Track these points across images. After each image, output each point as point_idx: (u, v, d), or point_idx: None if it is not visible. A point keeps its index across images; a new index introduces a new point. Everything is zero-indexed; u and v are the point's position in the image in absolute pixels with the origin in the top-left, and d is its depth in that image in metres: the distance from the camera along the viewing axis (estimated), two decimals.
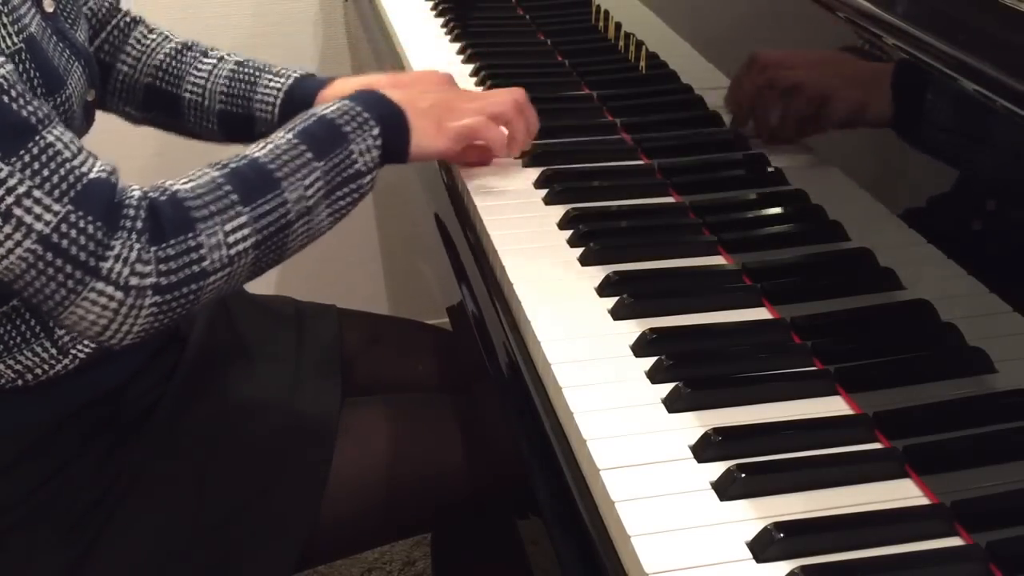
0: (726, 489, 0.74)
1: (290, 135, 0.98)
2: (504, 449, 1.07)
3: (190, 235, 0.90)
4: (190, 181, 0.94)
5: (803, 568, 0.68)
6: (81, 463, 1.03)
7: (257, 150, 0.97)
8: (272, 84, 1.19)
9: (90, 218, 0.86)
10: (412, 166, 1.11)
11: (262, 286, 1.42)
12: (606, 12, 1.38)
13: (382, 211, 2.21)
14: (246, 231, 0.93)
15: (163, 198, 0.91)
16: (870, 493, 0.75)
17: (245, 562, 1.05)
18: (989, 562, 0.70)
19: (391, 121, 1.03)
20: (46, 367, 1.02)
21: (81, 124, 1.06)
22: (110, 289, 0.87)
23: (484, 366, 0.98)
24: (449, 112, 1.08)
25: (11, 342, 1.00)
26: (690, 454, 0.78)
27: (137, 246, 0.88)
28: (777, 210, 1.07)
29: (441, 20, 1.63)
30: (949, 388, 0.81)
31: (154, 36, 1.25)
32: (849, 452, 0.79)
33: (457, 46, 1.53)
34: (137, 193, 0.90)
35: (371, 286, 2.28)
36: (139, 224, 0.88)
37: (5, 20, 0.91)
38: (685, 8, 1.24)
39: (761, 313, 0.94)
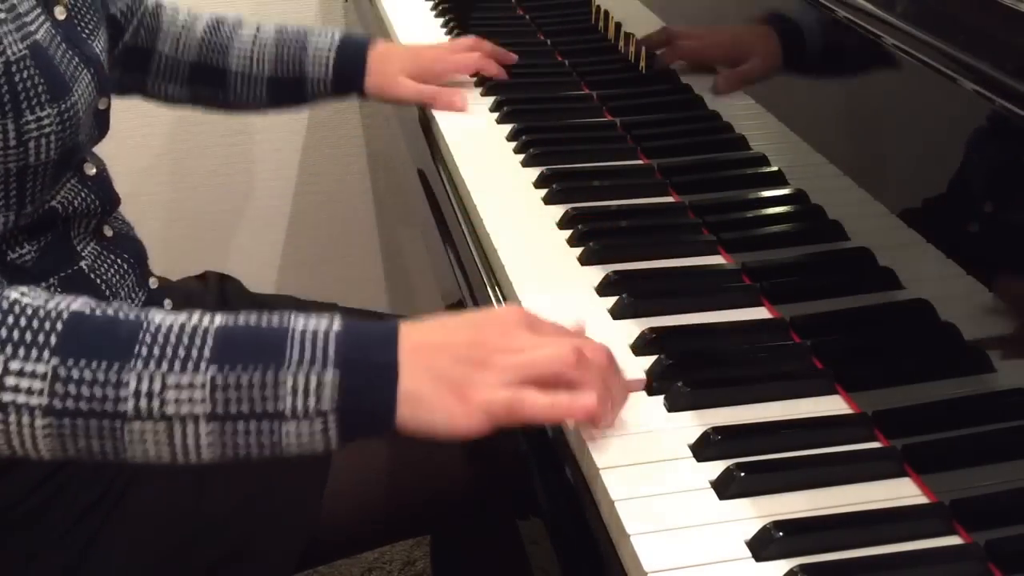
0: (726, 488, 0.74)
1: (216, 323, 0.76)
2: (504, 449, 1.07)
3: None
4: (41, 299, 0.75)
5: (802, 567, 0.68)
6: (79, 464, 1.03)
7: (163, 314, 0.76)
8: (322, 43, 1.26)
9: None
10: (410, 166, 1.11)
11: (263, 285, 1.42)
12: (606, 12, 1.38)
13: (382, 211, 2.21)
14: (35, 383, 0.72)
15: None
16: (869, 492, 0.75)
17: (245, 562, 1.05)
18: (988, 561, 0.70)
19: (369, 372, 0.75)
20: None
21: (91, 131, 1.06)
22: None
23: None
24: (481, 370, 0.77)
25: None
26: (689, 453, 0.78)
27: None
28: (777, 210, 1.07)
29: (441, 20, 1.63)
30: (948, 387, 0.81)
31: (184, 16, 1.30)
32: (848, 451, 0.79)
33: None
34: None
35: (371, 285, 2.29)
36: None
37: (9, 27, 0.91)
38: (685, 8, 1.24)
39: (760, 312, 0.94)
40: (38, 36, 0.95)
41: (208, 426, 0.74)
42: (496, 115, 1.31)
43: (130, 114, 2.02)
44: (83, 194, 1.07)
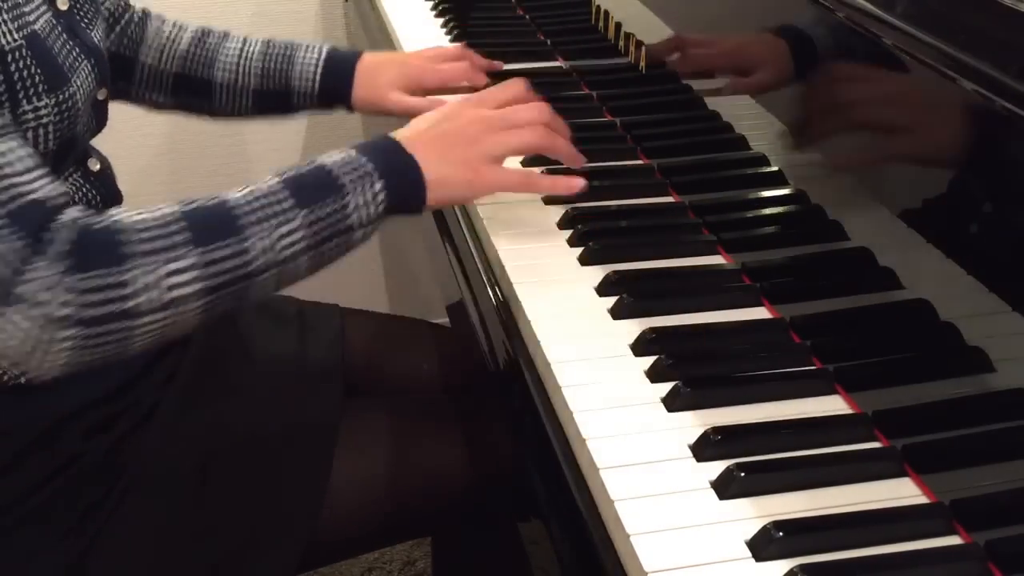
0: (725, 488, 0.74)
1: (275, 180, 0.91)
2: (504, 448, 1.07)
3: (116, 269, 0.82)
4: (142, 213, 0.87)
5: (802, 567, 0.68)
6: (82, 463, 1.03)
7: (234, 192, 0.90)
8: (308, 57, 1.26)
9: (15, 238, 0.81)
10: None
11: None
12: (606, 12, 1.38)
13: None
14: (190, 275, 0.85)
15: (99, 226, 0.84)
16: (869, 492, 0.75)
17: (246, 564, 1.05)
18: (988, 561, 0.70)
19: (399, 170, 0.95)
20: None
21: (89, 121, 1.06)
22: (17, 317, 0.81)
23: (484, 365, 0.98)
24: (482, 139, 0.99)
25: None
26: (689, 453, 0.78)
27: (52, 273, 0.81)
28: (777, 210, 1.07)
29: (441, 20, 1.63)
30: (948, 387, 0.81)
31: (170, 27, 1.30)
32: (848, 451, 0.79)
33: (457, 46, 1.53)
34: (67, 218, 0.84)
35: (371, 285, 2.29)
36: (62, 250, 0.82)
37: (4, 16, 0.91)
38: (685, 8, 1.24)
39: (760, 312, 0.94)
40: (36, 26, 0.95)
41: (308, 255, 0.91)
42: None
43: (130, 114, 2.01)
44: (85, 189, 1.07)
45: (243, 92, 1.28)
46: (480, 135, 0.99)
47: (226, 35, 1.30)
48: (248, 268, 0.87)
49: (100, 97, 1.08)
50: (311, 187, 0.91)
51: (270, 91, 1.28)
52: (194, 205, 0.88)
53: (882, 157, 0.92)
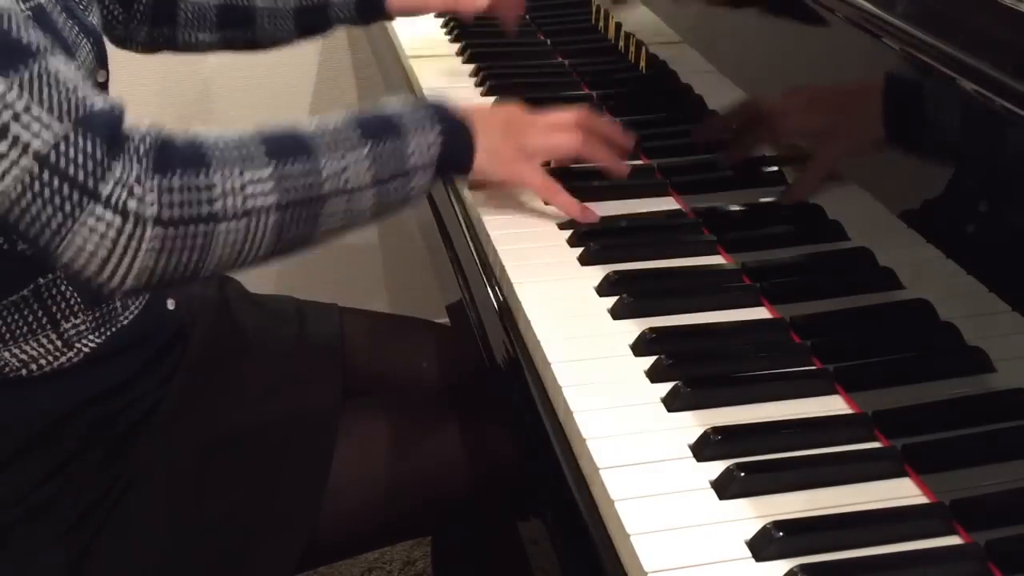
0: (725, 488, 0.74)
1: (343, 117, 0.97)
2: (504, 448, 1.07)
3: (202, 171, 0.86)
4: (218, 132, 0.91)
5: (802, 567, 0.68)
6: (82, 461, 1.03)
7: (305, 124, 0.95)
8: None
9: (92, 139, 0.83)
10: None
11: (263, 286, 1.42)
12: (606, 12, 1.38)
13: None
14: (267, 186, 0.89)
15: (179, 134, 0.88)
16: (869, 492, 0.75)
17: (246, 562, 1.05)
18: (988, 561, 0.70)
19: (454, 128, 1.01)
20: (50, 358, 1.03)
21: None
22: (108, 214, 0.83)
23: (484, 365, 0.98)
24: (527, 135, 1.07)
25: (18, 331, 1.01)
26: (689, 453, 0.78)
27: (138, 169, 0.83)
28: (777, 210, 1.07)
29: (441, 20, 1.63)
30: (948, 387, 0.81)
31: None
32: (848, 451, 0.79)
33: (457, 46, 1.54)
34: (147, 127, 0.87)
35: (371, 285, 2.29)
36: (144, 149, 0.85)
37: None
38: (685, 8, 1.25)
39: (760, 312, 0.94)
40: (41, 0, 0.96)
41: (372, 191, 0.95)
42: None
43: (129, 114, 2.02)
44: None
45: (284, 14, 1.34)
46: (526, 128, 1.08)
47: None
48: (320, 189, 0.92)
49: (100, 80, 1.08)
50: (376, 125, 0.96)
51: (309, 9, 1.34)
52: (269, 128, 0.93)
53: (881, 156, 0.92)
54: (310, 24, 1.36)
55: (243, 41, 1.36)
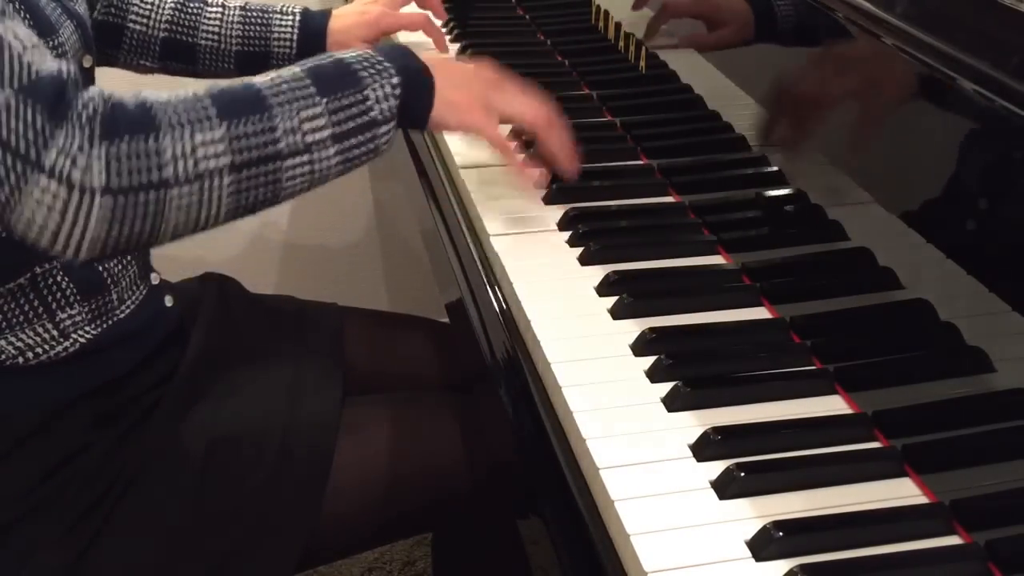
0: (725, 488, 0.74)
1: (298, 69, 0.95)
2: (504, 448, 1.07)
3: (151, 136, 0.84)
4: (168, 93, 0.89)
5: (802, 567, 0.68)
6: (82, 461, 1.03)
7: (259, 77, 0.94)
8: (285, 22, 1.35)
9: (34, 106, 0.81)
10: (411, 167, 1.11)
11: (263, 285, 1.42)
12: (606, 12, 1.38)
13: (382, 210, 2.21)
14: (219, 147, 0.87)
15: (128, 99, 0.86)
16: (869, 492, 0.75)
17: (246, 561, 1.06)
18: (988, 561, 0.70)
19: (413, 76, 0.99)
20: (46, 347, 1.03)
21: None
22: (53, 184, 0.81)
23: (484, 364, 0.98)
24: (492, 90, 1.05)
25: (14, 319, 1.02)
26: (689, 453, 0.78)
27: (81, 136, 0.81)
28: (777, 210, 1.07)
29: (441, 20, 1.63)
30: (948, 387, 0.81)
31: None
32: (848, 451, 0.79)
33: (457, 46, 1.53)
34: (96, 90, 0.85)
35: (371, 284, 2.29)
36: (87, 116, 0.82)
37: None
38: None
39: (760, 312, 0.94)
40: None
41: (335, 147, 0.93)
42: None
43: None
44: None
45: (225, 56, 1.35)
46: (493, 85, 1.06)
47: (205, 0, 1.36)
48: (275, 147, 0.90)
49: (86, 64, 1.08)
50: (332, 76, 0.94)
51: (250, 54, 1.36)
52: (222, 86, 0.91)
53: (880, 156, 0.92)
54: (251, 67, 1.36)
55: (183, 72, 1.38)
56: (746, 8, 1.09)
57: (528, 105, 1.07)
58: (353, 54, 0.98)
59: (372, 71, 0.96)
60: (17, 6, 0.95)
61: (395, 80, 0.97)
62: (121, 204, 0.83)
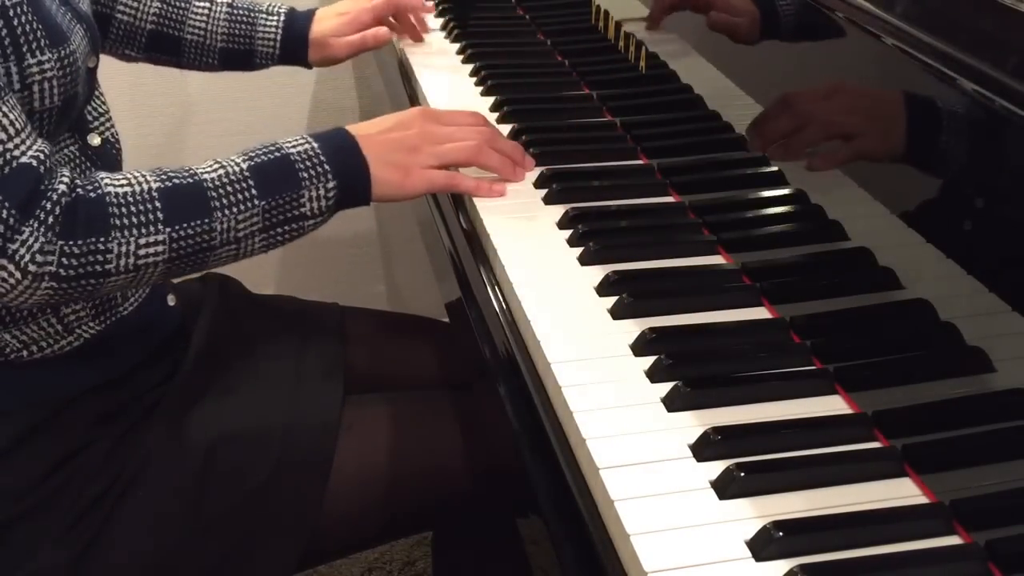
0: (725, 488, 0.74)
1: (245, 166, 1.00)
2: (504, 448, 1.07)
3: (100, 239, 0.93)
4: (126, 185, 0.96)
5: (802, 567, 0.68)
6: (83, 459, 1.03)
7: (208, 171, 0.99)
8: (270, 22, 1.40)
9: (6, 203, 0.89)
10: None
11: (264, 286, 1.42)
12: (606, 12, 1.38)
13: (382, 210, 2.21)
14: (160, 248, 0.95)
15: (89, 196, 0.94)
16: (869, 492, 0.75)
17: (246, 561, 1.06)
18: (988, 561, 0.70)
19: (352, 172, 1.03)
20: (50, 341, 1.05)
21: (84, 87, 1.06)
22: (10, 267, 0.90)
23: (484, 365, 0.98)
24: (423, 146, 1.08)
25: (19, 314, 1.03)
26: (689, 453, 0.78)
27: (43, 238, 0.90)
28: (777, 210, 1.07)
29: (441, 20, 1.63)
30: (948, 387, 0.81)
31: None
32: (848, 451, 0.79)
33: (457, 46, 1.53)
34: (62, 187, 0.92)
35: (371, 284, 2.29)
36: (52, 217, 0.91)
37: None
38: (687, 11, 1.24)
39: (760, 312, 0.94)
40: None
41: (260, 236, 1.01)
42: (496, 115, 1.31)
43: (129, 115, 2.02)
44: (79, 160, 1.08)
45: (210, 51, 1.39)
46: (420, 145, 1.08)
47: None
48: (210, 243, 0.98)
49: (91, 65, 1.09)
50: (273, 177, 1.01)
51: (235, 51, 1.40)
52: (173, 182, 0.98)
53: (880, 156, 0.92)
54: (234, 63, 1.41)
55: (167, 63, 1.41)
56: (751, 6, 1.09)
57: (456, 149, 1.09)
58: (298, 149, 1.02)
59: (312, 172, 1.02)
60: (30, 17, 0.96)
61: (331, 184, 1.02)
62: (64, 288, 0.93)
